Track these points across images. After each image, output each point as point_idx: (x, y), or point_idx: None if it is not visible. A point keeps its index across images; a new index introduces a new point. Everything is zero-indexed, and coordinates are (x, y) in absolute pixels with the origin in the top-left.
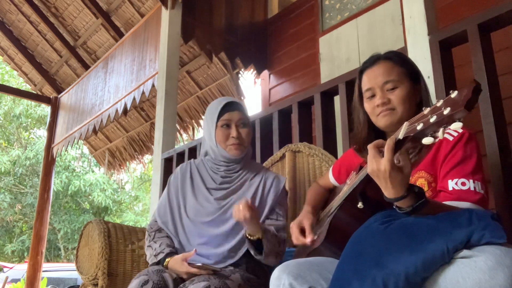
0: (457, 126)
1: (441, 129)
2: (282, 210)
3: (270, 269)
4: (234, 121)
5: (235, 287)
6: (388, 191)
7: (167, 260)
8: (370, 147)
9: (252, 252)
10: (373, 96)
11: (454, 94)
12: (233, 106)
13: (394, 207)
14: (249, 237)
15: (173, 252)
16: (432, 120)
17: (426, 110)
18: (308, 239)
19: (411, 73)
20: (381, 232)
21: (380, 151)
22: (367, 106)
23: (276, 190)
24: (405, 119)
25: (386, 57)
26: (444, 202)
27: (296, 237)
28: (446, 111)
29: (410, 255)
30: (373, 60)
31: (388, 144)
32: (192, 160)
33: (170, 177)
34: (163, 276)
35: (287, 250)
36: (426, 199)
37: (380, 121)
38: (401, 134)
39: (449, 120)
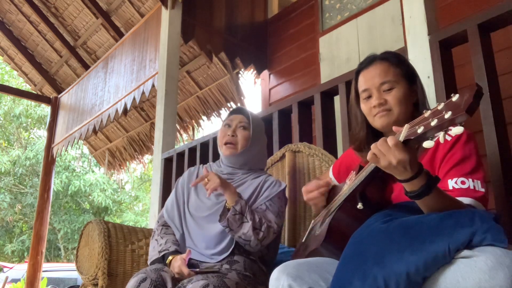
0: (458, 131)
1: (441, 133)
2: (273, 206)
3: (269, 269)
4: (235, 122)
5: (233, 285)
6: (401, 175)
7: (169, 258)
8: (373, 146)
9: (226, 225)
10: (369, 97)
11: (455, 98)
12: (239, 110)
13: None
14: (227, 206)
15: (178, 251)
16: (433, 124)
17: (427, 113)
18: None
19: (407, 73)
20: (382, 231)
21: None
22: (364, 107)
23: (272, 190)
24: (401, 120)
25: (383, 58)
26: None
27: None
28: (447, 115)
29: (411, 254)
30: (370, 61)
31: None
32: (201, 164)
33: (178, 178)
34: (161, 274)
35: (287, 250)
36: (437, 179)
37: (377, 122)
38: (401, 136)
39: (450, 124)
